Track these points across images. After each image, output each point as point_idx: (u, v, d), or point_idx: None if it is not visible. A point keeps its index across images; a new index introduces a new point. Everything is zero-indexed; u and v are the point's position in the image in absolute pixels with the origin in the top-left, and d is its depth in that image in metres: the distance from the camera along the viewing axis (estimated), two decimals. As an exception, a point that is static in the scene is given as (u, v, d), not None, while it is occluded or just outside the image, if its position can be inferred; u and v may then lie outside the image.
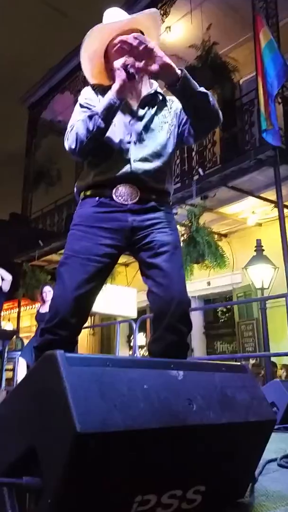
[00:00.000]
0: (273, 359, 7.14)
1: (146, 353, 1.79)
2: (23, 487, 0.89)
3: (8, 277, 6.62)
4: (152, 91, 1.90)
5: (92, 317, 9.85)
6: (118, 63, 1.69)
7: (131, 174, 1.75)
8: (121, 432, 0.88)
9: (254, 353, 7.90)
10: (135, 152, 1.77)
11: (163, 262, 1.70)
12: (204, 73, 8.20)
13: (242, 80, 8.98)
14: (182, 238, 7.31)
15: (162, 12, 8.87)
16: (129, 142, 1.78)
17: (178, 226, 6.72)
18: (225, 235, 8.92)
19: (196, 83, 1.73)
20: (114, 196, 1.74)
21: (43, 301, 6.40)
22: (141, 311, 8.71)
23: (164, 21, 8.92)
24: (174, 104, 1.91)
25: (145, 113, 1.85)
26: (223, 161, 7.61)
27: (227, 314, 9.72)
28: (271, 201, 7.36)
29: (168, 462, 0.98)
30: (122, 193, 1.74)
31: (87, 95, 1.86)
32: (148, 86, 1.91)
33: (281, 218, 6.18)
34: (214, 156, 7.85)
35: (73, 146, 1.71)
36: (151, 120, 1.85)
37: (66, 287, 1.65)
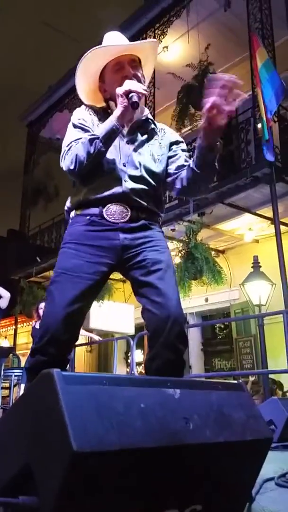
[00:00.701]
0: (272, 376, 7.11)
1: (144, 370, 1.77)
2: (19, 506, 0.88)
3: (6, 294, 6.61)
4: (144, 117, 1.92)
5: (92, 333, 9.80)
6: (120, 90, 1.71)
7: (122, 194, 1.77)
8: (118, 451, 0.88)
9: (252, 371, 7.86)
10: (126, 173, 1.79)
11: (157, 280, 1.70)
12: (201, 91, 8.30)
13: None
14: (179, 254, 7.34)
15: (159, 32, 9.04)
16: (120, 163, 1.81)
17: (176, 242, 6.74)
18: (222, 252, 8.95)
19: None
20: (105, 215, 1.76)
21: (39, 318, 6.39)
22: (138, 328, 8.68)
23: (161, 41, 9.08)
24: (165, 136, 1.95)
25: (136, 137, 1.88)
26: (220, 178, 7.66)
27: (224, 331, 9.69)
28: (267, 218, 7.40)
29: (165, 481, 0.98)
30: (113, 212, 1.76)
31: (80, 115, 1.88)
32: (139, 111, 1.92)
33: (278, 234, 6.21)
34: (211, 173, 7.90)
35: (71, 167, 1.73)
36: (141, 144, 1.88)
37: (56, 305, 1.64)
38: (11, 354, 8.63)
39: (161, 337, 1.62)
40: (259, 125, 6.65)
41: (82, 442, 0.84)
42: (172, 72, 8.94)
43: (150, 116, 1.96)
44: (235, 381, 1.32)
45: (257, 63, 6.35)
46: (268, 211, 7.09)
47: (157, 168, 1.87)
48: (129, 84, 1.71)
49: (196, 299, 8.70)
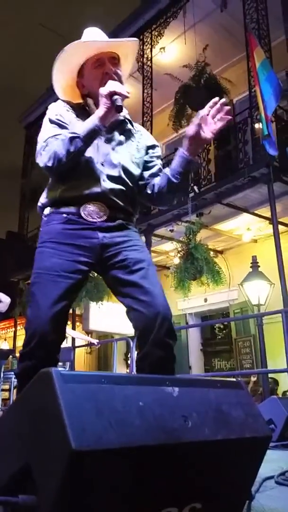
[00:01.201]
0: (272, 375, 7.11)
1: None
2: (19, 505, 0.88)
3: (6, 299, 6.60)
4: (121, 117, 1.92)
5: (89, 335, 9.80)
6: (104, 90, 1.70)
7: (100, 193, 1.76)
8: (116, 450, 0.88)
9: (251, 370, 7.87)
10: (104, 172, 1.79)
11: (141, 279, 1.69)
12: (198, 92, 8.32)
13: (236, 99, 9.11)
14: (179, 255, 7.34)
15: (156, 33, 9.05)
16: (97, 163, 1.80)
17: (175, 243, 6.73)
18: (221, 252, 8.96)
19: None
20: (82, 214, 1.74)
21: None
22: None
23: (158, 42, 9.09)
24: (142, 138, 1.95)
25: (114, 136, 1.87)
26: (218, 178, 7.68)
27: (224, 331, 9.70)
28: (265, 218, 7.41)
29: (164, 479, 0.98)
30: (90, 212, 1.75)
31: (57, 110, 1.86)
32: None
33: (276, 234, 6.22)
34: (209, 173, 7.92)
35: (49, 164, 1.71)
36: (119, 144, 1.87)
37: (40, 307, 1.61)
38: (10, 356, 8.63)
39: (152, 335, 1.61)
40: (257, 125, 6.66)
41: (81, 441, 0.84)
42: (169, 72, 8.95)
43: (128, 116, 1.96)
44: (234, 379, 1.33)
45: (255, 62, 6.35)
46: (266, 211, 7.10)
47: (135, 170, 1.87)
48: (113, 86, 1.70)
49: (195, 300, 8.71)
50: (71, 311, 10.35)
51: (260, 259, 7.31)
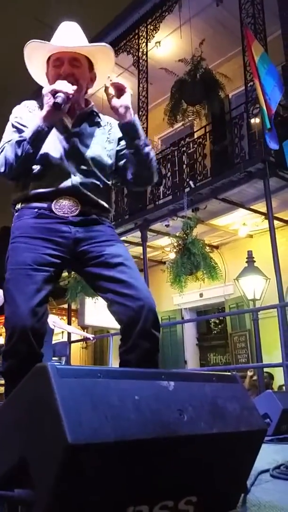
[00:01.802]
0: (268, 369, 7.14)
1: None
2: (15, 499, 0.89)
3: (2, 294, 6.58)
4: (89, 110, 1.91)
5: (85, 330, 9.82)
6: (46, 89, 1.70)
7: (71, 188, 1.75)
8: (112, 443, 0.89)
9: (247, 364, 7.90)
10: (74, 167, 1.78)
11: (122, 273, 1.69)
12: (194, 87, 8.31)
13: (231, 94, 9.10)
14: (175, 250, 7.35)
15: (152, 27, 9.01)
16: (67, 157, 1.78)
17: (171, 238, 6.73)
18: (217, 247, 8.98)
19: (142, 135, 1.83)
20: (53, 209, 1.73)
21: None
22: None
23: (154, 36, 9.05)
24: (113, 130, 1.93)
25: (82, 130, 1.86)
26: (214, 173, 7.68)
27: (219, 326, 9.73)
28: (261, 213, 7.43)
29: (160, 472, 0.99)
30: (62, 206, 1.74)
31: (18, 113, 1.86)
32: (84, 105, 1.92)
33: (272, 229, 6.23)
34: (205, 169, 7.92)
35: (1, 169, 1.71)
36: (88, 138, 1.86)
37: (18, 303, 1.59)
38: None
39: (137, 328, 1.61)
40: (253, 120, 6.66)
41: (77, 435, 0.84)
42: (165, 67, 8.92)
43: (95, 109, 1.95)
44: (229, 373, 1.33)
45: (254, 57, 6.33)
46: (262, 206, 7.12)
47: (107, 162, 1.86)
48: (57, 84, 1.69)
49: (190, 295, 8.73)
50: (66, 306, 10.38)
51: (255, 254, 7.33)
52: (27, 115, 1.83)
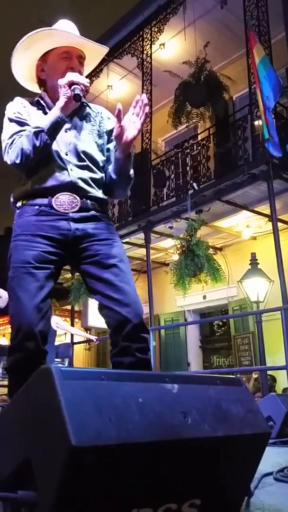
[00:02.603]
0: (271, 372, 7.13)
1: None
2: (18, 501, 0.88)
3: (5, 294, 6.59)
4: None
5: (88, 332, 9.82)
6: (63, 80, 1.72)
7: (70, 183, 1.77)
8: (116, 446, 0.88)
9: (250, 367, 7.88)
10: (71, 162, 1.80)
11: (114, 276, 1.71)
12: (198, 89, 8.30)
13: (235, 96, 9.10)
14: (179, 252, 7.34)
15: (156, 29, 9.02)
16: (63, 152, 1.80)
17: (174, 240, 6.74)
18: (220, 249, 8.97)
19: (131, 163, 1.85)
20: (54, 205, 1.75)
21: None
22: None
23: (158, 38, 9.06)
24: (103, 122, 1.95)
25: (74, 124, 1.88)
26: (217, 175, 7.67)
27: (223, 328, 9.71)
28: (265, 215, 7.41)
29: (163, 475, 0.98)
30: (62, 202, 1.75)
31: (14, 108, 1.88)
32: None
33: (275, 231, 6.22)
34: (208, 170, 7.92)
35: (17, 161, 1.73)
36: (81, 131, 1.88)
37: (22, 301, 1.62)
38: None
39: (124, 332, 1.64)
40: (257, 122, 6.66)
41: (81, 437, 0.84)
42: (169, 69, 8.93)
43: (84, 100, 1.95)
44: (233, 376, 1.33)
45: (255, 60, 6.34)
46: (265, 208, 7.10)
47: (100, 157, 1.89)
48: (72, 76, 1.72)
49: (194, 297, 8.72)
50: (69, 307, 10.38)
51: (259, 256, 7.32)
52: (23, 110, 1.86)
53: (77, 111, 1.90)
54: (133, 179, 1.90)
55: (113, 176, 1.86)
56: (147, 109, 1.73)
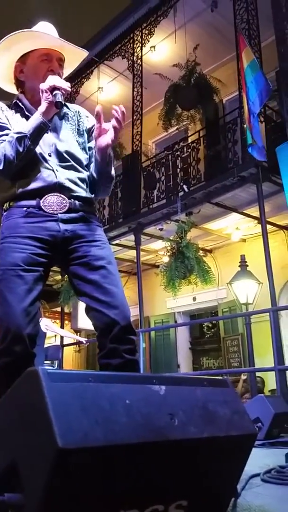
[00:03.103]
0: (260, 374, 7.16)
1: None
2: (5, 504, 0.88)
3: None
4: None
5: (78, 334, 9.79)
6: (45, 85, 1.71)
7: (57, 184, 1.77)
8: (103, 447, 0.89)
9: (239, 369, 7.91)
10: (55, 163, 1.80)
11: (102, 278, 1.71)
12: (188, 92, 8.34)
13: (225, 99, 9.14)
14: (169, 254, 7.36)
15: (146, 31, 9.04)
16: (46, 153, 1.81)
17: (164, 242, 6.74)
18: (210, 251, 9.00)
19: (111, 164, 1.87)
20: (42, 206, 1.74)
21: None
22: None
23: (149, 41, 9.08)
24: (82, 121, 1.95)
25: (54, 125, 1.88)
26: (207, 178, 7.70)
27: (212, 330, 9.74)
28: (254, 218, 7.46)
29: (150, 476, 0.99)
30: (50, 203, 1.75)
31: None
32: None
33: (265, 234, 6.26)
34: (199, 173, 7.95)
35: (0, 167, 1.72)
36: (60, 130, 1.89)
37: (10, 304, 1.61)
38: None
39: (111, 335, 1.64)
40: (245, 126, 6.70)
41: (68, 439, 0.84)
42: (160, 71, 8.96)
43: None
44: (221, 378, 1.34)
45: (243, 64, 6.38)
46: (255, 211, 7.15)
47: (82, 155, 1.89)
48: (53, 80, 1.71)
49: (184, 298, 8.74)
50: (59, 309, 10.33)
51: (248, 259, 7.35)
52: (1, 114, 1.85)
53: (58, 112, 1.90)
54: (114, 179, 1.92)
55: (95, 175, 1.87)
56: (117, 115, 1.73)
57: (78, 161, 1.86)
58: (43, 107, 1.72)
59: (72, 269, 1.77)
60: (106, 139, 1.74)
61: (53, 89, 1.70)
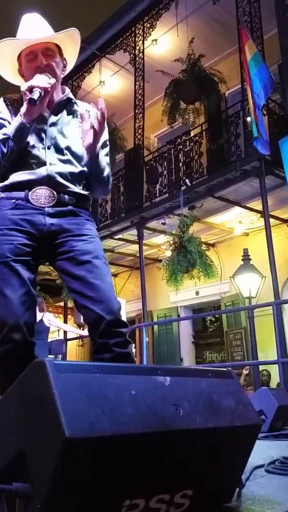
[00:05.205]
0: (266, 367, 7.18)
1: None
2: (13, 493, 0.90)
3: None
4: (64, 98, 1.93)
5: (81, 328, 9.82)
6: (23, 87, 1.72)
7: (47, 177, 1.77)
8: (109, 437, 0.90)
9: (242, 362, 7.93)
10: (51, 156, 1.80)
11: (88, 273, 1.70)
12: (190, 85, 8.31)
13: (228, 93, 9.11)
14: (171, 248, 7.36)
15: (148, 25, 9.00)
16: (43, 147, 1.81)
17: (167, 236, 6.72)
18: (213, 245, 9.00)
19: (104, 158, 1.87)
20: (30, 198, 1.75)
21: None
22: (130, 321, 8.69)
23: (150, 34, 9.05)
24: (90, 119, 1.90)
25: (58, 119, 1.88)
26: (210, 172, 7.69)
27: (215, 324, 9.76)
28: (257, 211, 7.45)
29: (156, 466, 1.00)
30: (39, 196, 1.76)
31: None
32: (60, 92, 1.94)
33: (267, 227, 6.26)
34: (201, 167, 7.93)
35: None
36: (65, 126, 1.89)
37: (5, 294, 1.64)
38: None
39: (100, 329, 1.65)
40: (249, 119, 6.68)
41: (74, 429, 0.85)
42: (161, 64, 8.92)
43: (71, 96, 1.96)
44: (225, 369, 1.35)
45: (246, 57, 6.36)
46: (257, 204, 7.14)
47: (83, 151, 1.87)
48: (32, 81, 1.72)
49: (186, 292, 8.75)
50: (62, 304, 10.35)
51: (251, 252, 7.35)
52: (5, 109, 1.86)
53: (63, 107, 1.91)
54: (108, 182, 1.92)
55: (88, 173, 1.88)
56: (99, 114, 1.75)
57: (77, 157, 1.86)
58: (23, 108, 1.73)
59: (59, 264, 1.77)
60: (88, 139, 1.76)
61: (31, 89, 1.70)
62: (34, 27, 1.87)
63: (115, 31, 9.59)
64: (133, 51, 9.34)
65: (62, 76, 1.94)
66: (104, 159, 1.88)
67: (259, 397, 3.46)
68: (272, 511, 1.22)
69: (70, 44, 1.93)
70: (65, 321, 9.75)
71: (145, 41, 9.16)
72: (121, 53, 9.55)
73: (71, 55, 1.97)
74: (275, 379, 7.30)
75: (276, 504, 1.28)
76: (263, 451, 2.17)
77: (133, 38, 9.37)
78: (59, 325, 7.95)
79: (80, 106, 1.97)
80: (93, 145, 1.77)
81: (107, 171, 1.90)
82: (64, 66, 1.95)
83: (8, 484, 0.91)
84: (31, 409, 0.95)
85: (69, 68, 1.98)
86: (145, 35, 9.12)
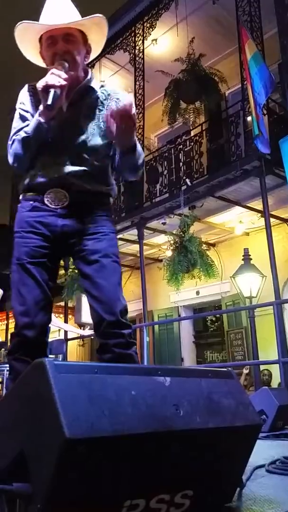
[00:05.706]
0: (267, 367, 7.17)
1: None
2: (13, 493, 0.90)
3: (0, 291, 6.59)
4: (86, 85, 1.86)
5: (82, 328, 9.82)
6: (39, 85, 1.67)
7: (60, 178, 1.76)
8: (109, 437, 0.90)
9: (243, 362, 7.93)
10: (65, 155, 1.78)
11: (95, 272, 1.73)
12: (190, 85, 8.30)
13: (228, 92, 9.10)
14: (172, 247, 7.36)
15: (148, 25, 8.99)
16: (58, 146, 1.78)
17: (167, 236, 6.69)
18: (213, 245, 8.99)
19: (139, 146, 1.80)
20: (45, 200, 1.76)
21: None
22: (131, 321, 8.68)
23: (150, 34, 9.04)
24: (111, 103, 1.83)
25: (77, 109, 1.82)
26: (210, 171, 7.68)
27: (216, 323, 9.75)
28: (257, 211, 7.44)
29: (156, 466, 1.00)
30: (53, 198, 1.76)
31: (21, 98, 1.87)
32: (81, 78, 1.85)
33: (268, 227, 6.25)
34: (201, 166, 7.93)
35: (15, 165, 1.79)
36: (83, 117, 1.83)
37: (21, 293, 1.70)
38: (2, 349, 8.62)
39: (101, 329, 1.68)
40: (249, 118, 6.68)
41: (75, 429, 0.86)
42: (162, 64, 8.92)
43: (93, 82, 1.90)
44: (225, 369, 1.35)
45: (247, 56, 6.35)
46: (258, 204, 7.13)
47: (101, 142, 1.82)
48: (48, 78, 1.65)
49: (187, 292, 8.74)
50: (63, 303, 10.37)
51: (252, 252, 7.35)
52: (28, 100, 1.85)
53: (84, 94, 1.85)
54: (140, 165, 1.86)
55: (119, 160, 1.86)
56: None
57: (93, 150, 1.80)
58: (41, 107, 1.70)
59: (75, 263, 1.82)
60: (109, 131, 1.67)
61: (46, 88, 1.64)
62: (57, 11, 1.80)
63: (115, 31, 9.57)
64: (133, 51, 9.34)
65: (86, 62, 1.88)
66: (138, 151, 1.80)
67: (260, 397, 3.46)
68: (272, 511, 1.22)
69: (96, 30, 1.85)
70: (66, 321, 9.75)
71: (145, 41, 9.15)
72: (121, 53, 9.53)
73: (97, 42, 1.89)
74: (276, 379, 7.30)
75: (276, 504, 1.28)
76: (264, 451, 2.16)
77: (133, 38, 9.36)
78: (59, 325, 7.96)
79: (103, 92, 1.88)
80: (111, 138, 1.72)
81: (139, 159, 1.84)
82: (88, 53, 1.87)
83: (8, 484, 0.91)
84: (32, 409, 0.95)
85: (94, 55, 1.91)
86: (145, 35, 9.10)
